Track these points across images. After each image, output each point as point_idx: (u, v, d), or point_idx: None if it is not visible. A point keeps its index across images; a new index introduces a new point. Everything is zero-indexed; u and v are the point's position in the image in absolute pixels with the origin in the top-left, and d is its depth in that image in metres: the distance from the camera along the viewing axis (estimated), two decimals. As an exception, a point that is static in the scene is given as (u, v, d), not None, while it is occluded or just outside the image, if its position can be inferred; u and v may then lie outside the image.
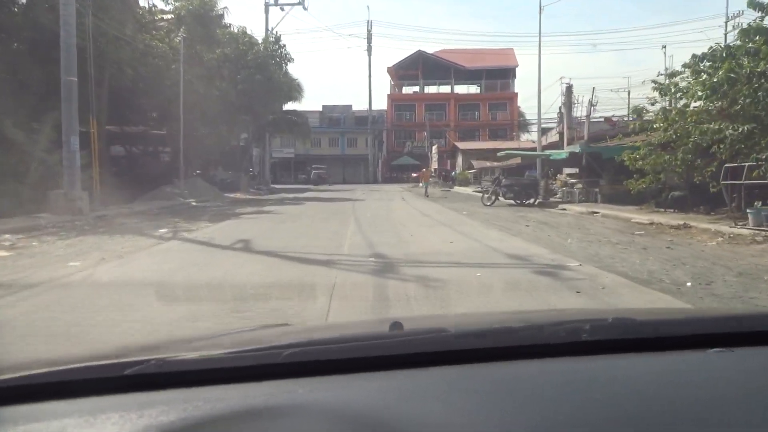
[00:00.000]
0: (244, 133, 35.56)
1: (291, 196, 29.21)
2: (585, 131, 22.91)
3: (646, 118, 14.43)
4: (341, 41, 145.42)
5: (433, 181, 34.70)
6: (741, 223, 10.49)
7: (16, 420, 0.85)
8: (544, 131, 31.34)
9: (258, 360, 1.02)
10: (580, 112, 28.26)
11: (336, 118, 62.60)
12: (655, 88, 13.50)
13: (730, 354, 1.09)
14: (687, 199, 14.32)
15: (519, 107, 63.02)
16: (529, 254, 8.02)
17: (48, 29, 15.37)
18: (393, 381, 0.99)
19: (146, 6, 25.01)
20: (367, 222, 13.51)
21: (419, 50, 63.53)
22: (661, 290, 5.51)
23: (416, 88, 66.18)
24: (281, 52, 30.99)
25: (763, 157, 10.65)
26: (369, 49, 61.57)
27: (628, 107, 36.62)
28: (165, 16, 26.36)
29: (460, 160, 47.86)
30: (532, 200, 20.62)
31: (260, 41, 31.09)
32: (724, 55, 11.20)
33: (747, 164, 11.34)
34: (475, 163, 41.50)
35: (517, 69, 64.61)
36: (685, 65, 12.66)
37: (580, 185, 21.14)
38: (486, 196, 21.00)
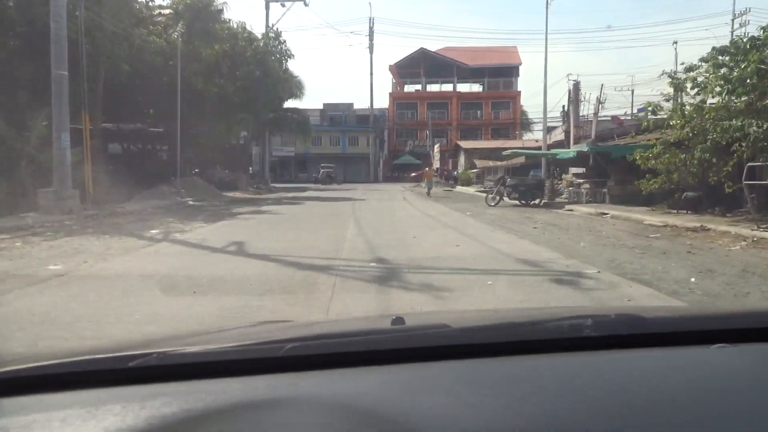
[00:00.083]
0: (244, 131, 35.03)
1: (290, 195, 28.70)
2: (592, 130, 22.34)
3: (660, 115, 13.80)
4: (343, 39, 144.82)
5: (435, 181, 34.12)
6: (764, 226, 9.93)
7: (18, 411, 0.85)
8: (548, 130, 30.80)
9: (260, 353, 1.02)
10: (586, 110, 27.71)
11: (337, 117, 62.01)
12: (671, 83, 12.89)
13: (733, 350, 1.07)
14: (701, 200, 13.73)
15: (521, 106, 62.54)
16: (541, 259, 7.48)
17: (42, 23, 14.90)
18: (397, 375, 0.98)
19: (143, 0, 24.49)
20: (368, 223, 12.97)
21: (421, 48, 63.00)
22: (694, 303, 4.97)
23: (418, 87, 65.65)
24: (281, 48, 30.39)
25: None
26: (371, 47, 61.00)
27: (632, 106, 36.30)
28: (163, 11, 25.87)
29: (462, 159, 47.27)
30: (537, 201, 20.07)
31: (260, 37, 30.50)
32: (748, 46, 10.61)
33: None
34: (477, 162, 40.92)
35: (520, 67, 64.11)
36: (702, 59, 12.06)
37: (587, 185, 20.58)
38: (490, 196, 20.45)
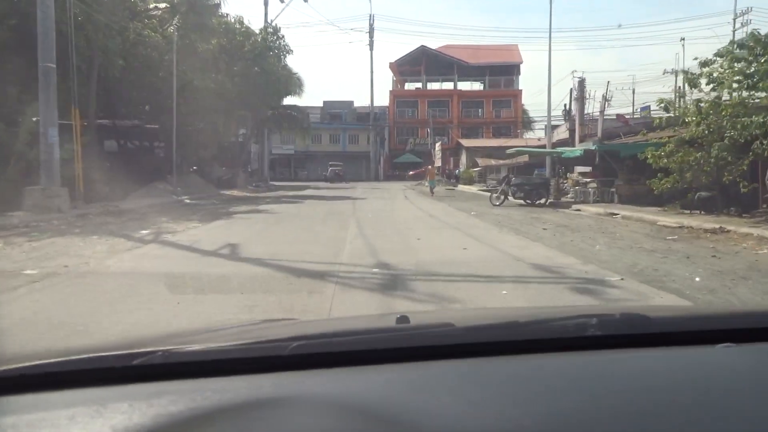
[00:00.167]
0: (242, 128, 34.50)
1: (290, 193, 28.12)
2: (599, 128, 21.74)
3: (672, 112, 13.22)
4: (343, 36, 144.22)
5: (437, 180, 33.56)
6: (787, 228, 9.40)
7: (25, 409, 0.85)
8: (551, 128, 30.27)
9: (265, 352, 1.01)
10: (591, 108, 27.14)
11: (337, 114, 61.40)
12: (687, 79, 12.31)
13: (738, 349, 1.06)
14: (716, 200, 13.17)
15: (522, 104, 61.98)
16: (557, 264, 6.93)
17: (33, 16, 14.34)
18: (402, 374, 0.97)
19: (139, -7, 23.91)
20: (369, 224, 12.42)
21: (422, 45, 62.41)
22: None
23: (419, 85, 65.03)
24: (279, 44, 29.78)
25: None
26: (371, 44, 60.36)
27: (633, 104, 35.94)
28: (158, 5, 25.29)
29: (463, 157, 46.64)
30: (543, 200, 19.51)
31: (258, 32, 29.89)
32: (768, 39, 10.06)
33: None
34: (479, 161, 40.31)
35: (521, 65, 63.52)
36: (718, 53, 11.49)
37: (594, 185, 20.02)
38: (495, 195, 19.88)
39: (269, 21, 34.51)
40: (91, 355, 1.01)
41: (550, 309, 2.53)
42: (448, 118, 60.78)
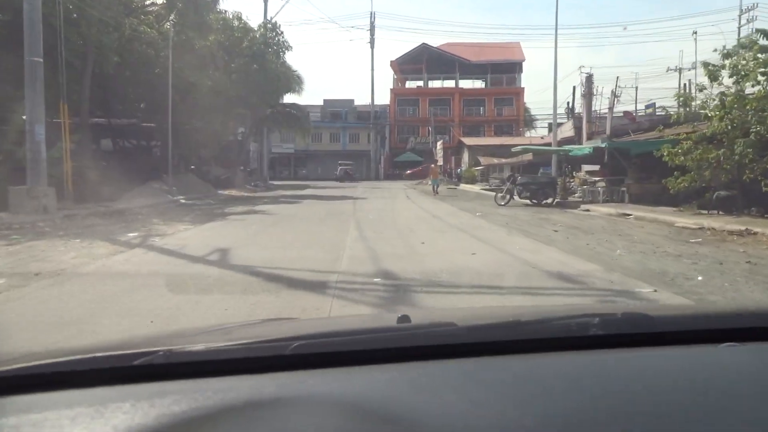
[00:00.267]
0: (241, 126, 33.87)
1: (289, 193, 27.50)
2: (607, 125, 21.08)
3: (693, 108, 12.55)
4: (343, 34, 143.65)
5: (440, 179, 32.90)
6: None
7: (27, 409, 0.84)
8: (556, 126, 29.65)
9: (267, 351, 1.01)
10: (598, 105, 26.48)
11: (337, 113, 60.78)
12: (707, 72, 11.65)
13: (742, 348, 1.04)
14: (736, 199, 12.51)
15: (525, 103, 61.30)
16: (576, 272, 6.30)
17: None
18: (405, 373, 0.96)
19: (134, -12, 23.28)
20: (370, 225, 11.79)
21: (423, 43, 61.82)
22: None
23: (420, 83, 64.37)
24: (279, 40, 29.11)
25: None
26: (372, 42, 59.67)
27: (636, 102, 35.34)
28: (155, 0, 24.68)
29: (465, 156, 45.98)
30: (550, 200, 18.88)
31: (256, 28, 29.23)
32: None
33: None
34: (482, 159, 39.66)
35: (523, 63, 62.83)
36: (741, 44, 10.84)
37: (602, 184, 19.37)
38: (500, 195, 19.24)
39: (269, 18, 33.85)
40: (93, 355, 1.00)
41: (553, 308, 2.46)
42: (449, 116, 60.14)
